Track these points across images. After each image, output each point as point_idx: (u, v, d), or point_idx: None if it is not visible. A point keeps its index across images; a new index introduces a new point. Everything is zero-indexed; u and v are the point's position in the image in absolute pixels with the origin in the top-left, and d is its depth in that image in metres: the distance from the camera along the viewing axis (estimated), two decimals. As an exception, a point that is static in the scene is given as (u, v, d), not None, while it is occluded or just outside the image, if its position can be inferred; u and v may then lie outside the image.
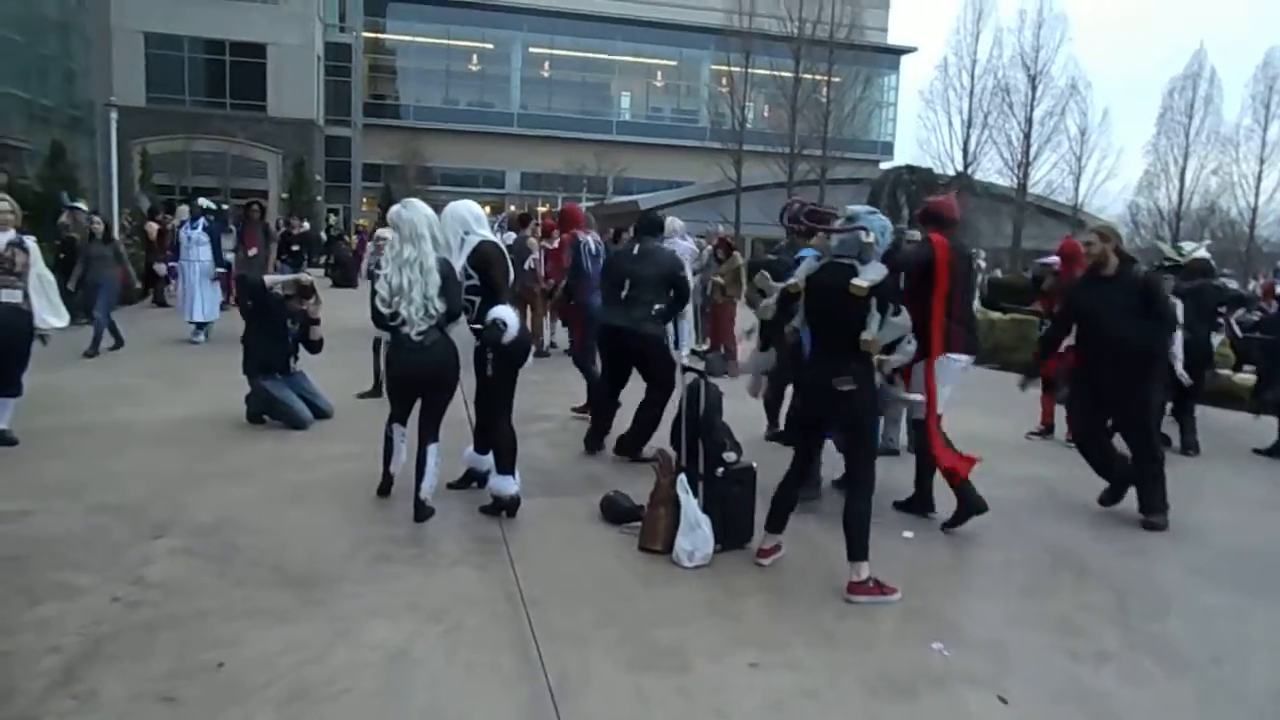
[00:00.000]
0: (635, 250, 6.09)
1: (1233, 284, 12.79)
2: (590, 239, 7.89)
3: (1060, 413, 7.25)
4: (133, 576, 3.67)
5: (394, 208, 4.65)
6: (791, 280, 4.09)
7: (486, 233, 4.70)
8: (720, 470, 4.34)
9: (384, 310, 4.45)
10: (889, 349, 3.97)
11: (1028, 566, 4.38)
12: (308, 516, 4.54)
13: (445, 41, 46.00)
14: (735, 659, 3.25)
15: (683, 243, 10.88)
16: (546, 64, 48.09)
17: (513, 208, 18.72)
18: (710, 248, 11.35)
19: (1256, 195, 34.35)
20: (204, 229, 11.03)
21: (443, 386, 4.62)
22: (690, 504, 4.20)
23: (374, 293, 4.50)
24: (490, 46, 47.12)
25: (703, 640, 3.39)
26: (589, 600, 3.69)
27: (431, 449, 4.58)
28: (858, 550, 3.85)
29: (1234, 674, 3.36)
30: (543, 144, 44.82)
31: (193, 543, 4.07)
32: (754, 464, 4.50)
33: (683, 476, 4.29)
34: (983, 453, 6.22)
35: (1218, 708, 3.13)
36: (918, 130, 62.81)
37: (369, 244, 15.71)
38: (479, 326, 4.59)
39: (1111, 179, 33.38)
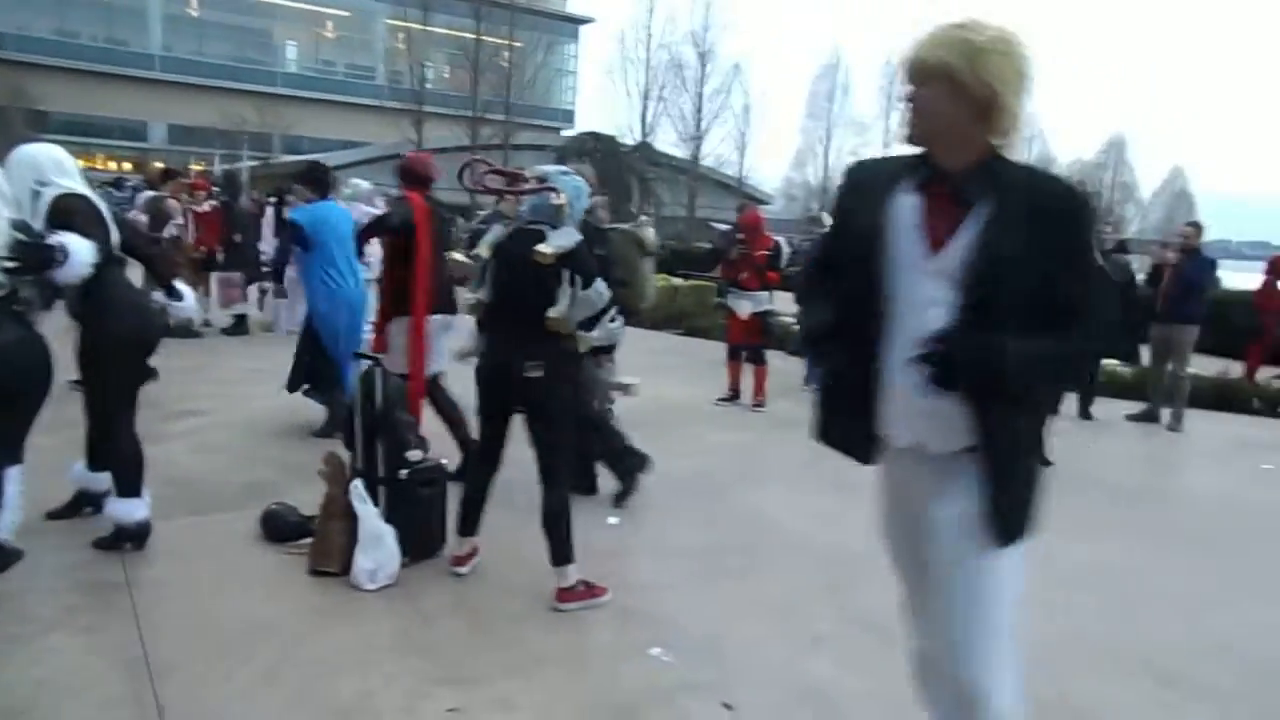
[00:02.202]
0: None
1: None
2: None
3: (746, 378, 7.51)
4: None
5: None
6: (478, 250, 3.55)
7: (71, 183, 3.58)
8: (404, 472, 3.72)
9: None
10: (586, 326, 3.53)
11: (739, 545, 4.29)
12: None
13: (50, -41, 38.65)
14: (432, 706, 2.71)
15: (368, 208, 9.85)
16: (193, 1, 42.39)
17: (158, 164, 16.03)
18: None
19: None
20: None
21: (24, 399, 3.45)
22: (370, 514, 3.55)
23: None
24: (117, -28, 40.51)
25: (393, 687, 2.80)
26: (244, 654, 2.93)
27: (11, 474, 3.43)
28: (560, 553, 3.45)
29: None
30: (193, 93, 39.58)
31: None
32: (444, 460, 3.94)
33: (358, 483, 3.62)
34: (681, 421, 6.21)
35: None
36: (599, 100, 64.75)
37: None
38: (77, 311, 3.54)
39: (771, 155, 36.68)
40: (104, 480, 3.86)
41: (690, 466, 5.49)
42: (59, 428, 4.13)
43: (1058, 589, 4.00)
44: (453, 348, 4.63)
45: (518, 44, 32.28)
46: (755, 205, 11.70)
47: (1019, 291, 1.68)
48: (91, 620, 3.10)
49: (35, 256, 3.27)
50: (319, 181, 5.98)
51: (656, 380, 7.89)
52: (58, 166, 3.58)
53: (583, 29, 48.98)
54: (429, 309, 4.62)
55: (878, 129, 39.36)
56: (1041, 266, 1.67)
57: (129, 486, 3.72)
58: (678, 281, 14.13)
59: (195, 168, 30.49)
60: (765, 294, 7.36)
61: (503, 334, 3.48)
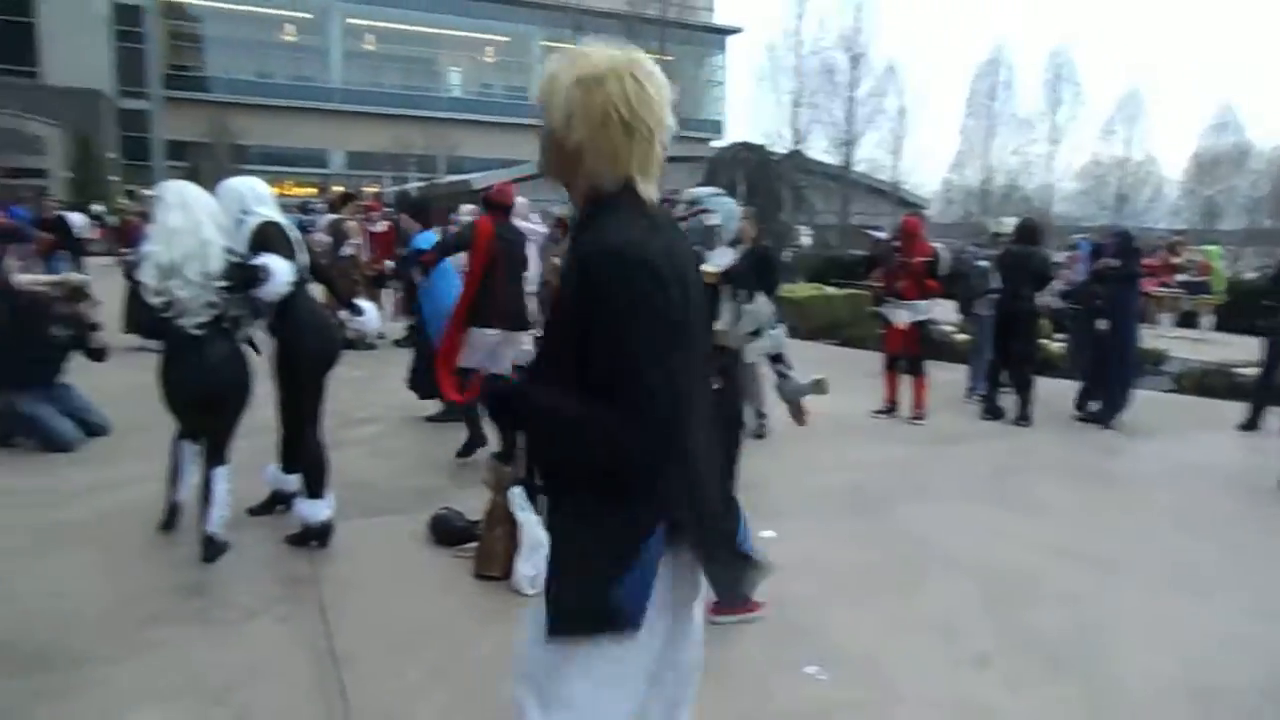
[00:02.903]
0: None
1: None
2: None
3: (904, 390, 7.26)
4: None
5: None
6: None
7: (269, 212, 3.97)
8: (566, 480, 3.84)
9: (156, 301, 3.61)
10: (753, 336, 3.62)
11: (897, 561, 4.16)
12: (63, 570, 3.69)
13: (253, 9, 42.74)
14: (591, 710, 2.78)
15: (524, 223, 10.23)
16: (369, 36, 45.65)
17: (337, 188, 17.40)
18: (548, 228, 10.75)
19: (1050, 173, 37.35)
20: None
21: (232, 406, 3.87)
22: (530, 522, 3.69)
23: (135, 285, 3.67)
24: (308, 16, 44.21)
25: (552, 689, 2.90)
26: (416, 650, 3.12)
27: (219, 473, 3.83)
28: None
29: (1111, 667, 3.22)
30: (368, 121, 42.56)
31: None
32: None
33: (519, 490, 3.77)
34: (836, 434, 6.08)
35: (1102, 708, 2.96)
36: (748, 109, 64.49)
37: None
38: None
39: (928, 157, 35.37)
40: (294, 481, 4.22)
41: (845, 480, 5.39)
42: (254, 433, 4.53)
43: (1264, 623, 3.64)
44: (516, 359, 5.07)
45: (668, 58, 32.74)
46: (917, 211, 11.33)
47: (564, 356, 1.52)
48: (286, 610, 3.39)
49: (245, 276, 3.66)
50: (423, 213, 6.99)
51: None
52: (257, 197, 3.97)
53: (729, 39, 49.07)
54: (489, 322, 5.09)
55: (1043, 126, 37.20)
56: (578, 331, 1.50)
57: (315, 488, 4.04)
58: (831, 290, 13.82)
59: (369, 190, 32.80)
60: (924, 303, 7.11)
61: None
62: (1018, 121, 37.68)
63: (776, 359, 3.78)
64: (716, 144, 39.15)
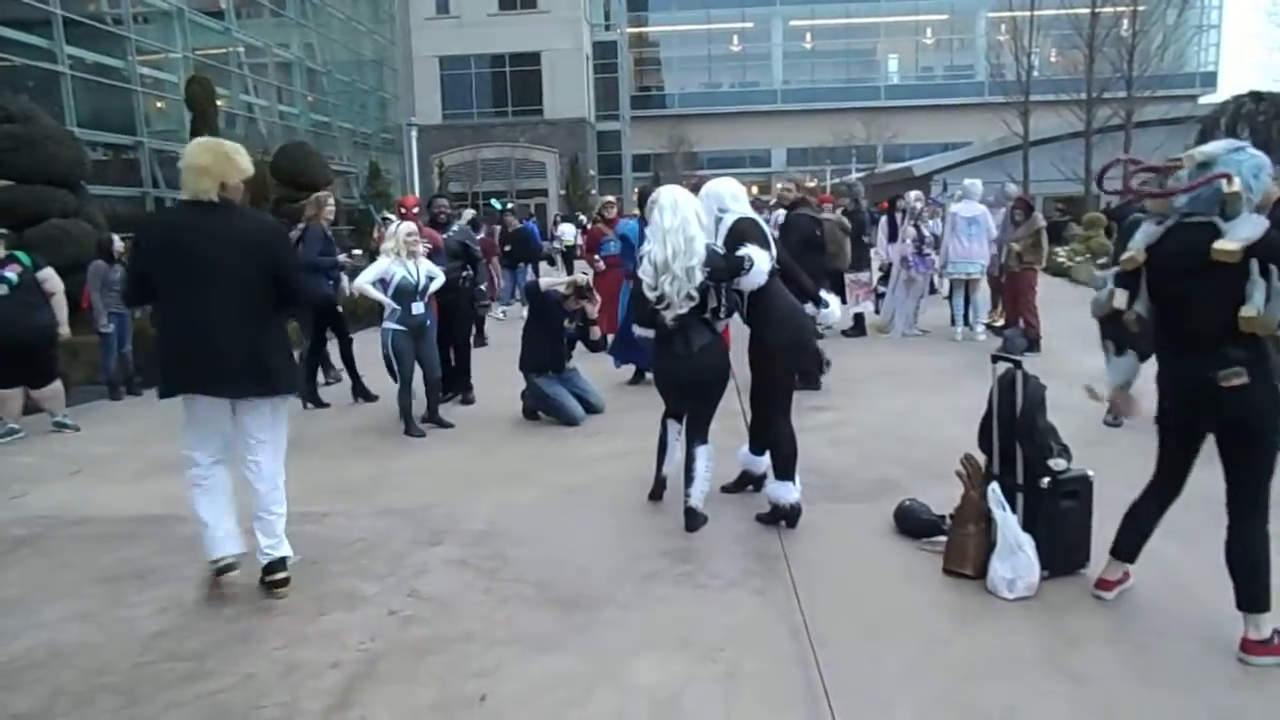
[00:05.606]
0: None
1: None
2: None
3: None
4: (409, 587, 3.64)
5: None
6: (1127, 254, 3.17)
7: (743, 208, 4.25)
8: (1046, 481, 3.53)
9: (651, 295, 4.07)
10: None
11: None
12: (577, 524, 4.35)
13: (705, 26, 46.39)
14: (1090, 736, 2.52)
15: (981, 206, 9.65)
16: (808, 35, 46.83)
17: (780, 185, 18.10)
18: (1005, 210, 10.01)
19: None
20: None
21: (712, 391, 4.23)
22: (1009, 521, 3.45)
23: (636, 282, 4.16)
24: (750, 25, 46.76)
25: (1043, 707, 2.68)
26: (888, 640, 3.10)
27: (700, 452, 4.21)
28: (1253, 598, 2.89)
29: None
30: (807, 117, 43.71)
31: (466, 552, 4.01)
32: (1089, 471, 3.64)
33: (995, 487, 3.54)
34: None
35: None
36: (1255, 53, 53.16)
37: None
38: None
39: None
40: (763, 463, 4.46)
41: None
42: (726, 415, 4.88)
43: None
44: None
45: (1141, 8, 28.34)
46: None
47: None
48: (762, 584, 3.60)
49: (729, 266, 3.96)
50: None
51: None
52: (734, 196, 4.28)
53: (1231, -29, 41.06)
54: None
55: None
56: None
57: (784, 471, 4.23)
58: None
59: (809, 184, 33.59)
60: None
61: (1182, 344, 3.03)
62: None
63: None
64: (1207, 99, 33.10)
